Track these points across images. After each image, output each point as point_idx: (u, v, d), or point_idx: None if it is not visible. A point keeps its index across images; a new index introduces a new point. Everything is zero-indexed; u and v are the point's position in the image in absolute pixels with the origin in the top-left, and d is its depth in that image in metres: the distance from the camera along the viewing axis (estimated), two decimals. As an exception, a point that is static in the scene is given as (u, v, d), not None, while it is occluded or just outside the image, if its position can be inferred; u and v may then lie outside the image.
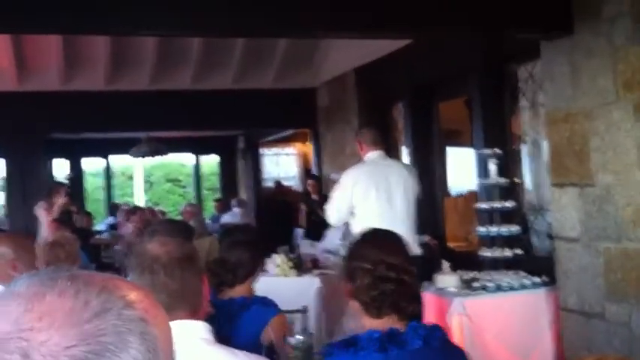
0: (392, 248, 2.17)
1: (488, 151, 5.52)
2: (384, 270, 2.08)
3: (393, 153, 7.91)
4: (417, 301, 2.17)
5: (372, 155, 5.03)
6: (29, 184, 8.84)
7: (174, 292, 1.94)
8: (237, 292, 3.13)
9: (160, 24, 4.18)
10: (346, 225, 5.75)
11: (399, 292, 2.08)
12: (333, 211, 5.05)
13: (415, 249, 4.90)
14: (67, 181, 8.32)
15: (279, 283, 5.77)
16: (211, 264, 3.22)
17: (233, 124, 11.15)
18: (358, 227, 4.94)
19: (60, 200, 7.51)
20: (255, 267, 3.24)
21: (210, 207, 16.38)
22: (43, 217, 7.43)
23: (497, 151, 5.49)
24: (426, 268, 5.15)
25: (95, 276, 0.82)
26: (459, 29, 4.75)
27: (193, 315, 1.97)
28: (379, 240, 2.26)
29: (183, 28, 4.45)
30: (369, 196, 4.85)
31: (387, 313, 2.09)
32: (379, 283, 2.07)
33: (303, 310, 4.55)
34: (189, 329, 1.93)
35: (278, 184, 14.19)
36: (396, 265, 2.09)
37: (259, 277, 3.36)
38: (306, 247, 7.01)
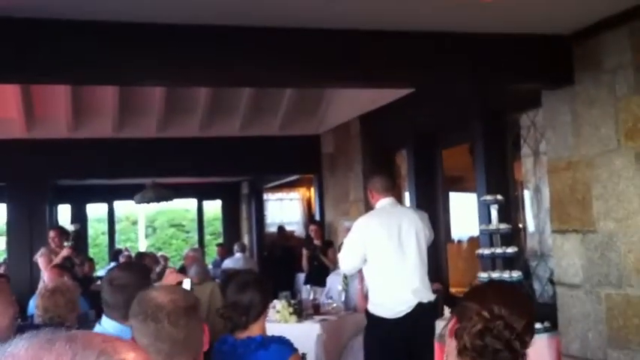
0: (518, 310, 1.93)
1: (490, 197, 5.57)
2: (500, 327, 1.88)
3: (396, 199, 7.97)
4: None
5: (383, 202, 5.04)
6: (35, 229, 8.89)
7: (178, 342, 1.94)
8: (253, 331, 3.18)
9: (167, 74, 4.28)
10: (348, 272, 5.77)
11: (502, 356, 1.89)
12: (346, 259, 5.05)
13: (429, 295, 4.92)
14: (73, 232, 8.33)
15: (278, 328, 5.73)
16: (223, 309, 3.25)
17: (239, 171, 11.24)
18: (371, 274, 4.98)
19: (64, 252, 7.55)
20: (265, 306, 3.29)
21: (212, 252, 16.38)
22: (43, 264, 7.47)
23: (499, 197, 5.54)
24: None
25: (94, 337, 0.80)
26: (463, 80, 4.85)
27: None
28: (509, 295, 2.02)
29: (191, 79, 4.56)
30: (381, 244, 4.85)
31: None
32: (488, 337, 1.88)
33: (302, 358, 4.55)
34: None
35: (281, 229, 14.22)
36: (515, 328, 1.89)
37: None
38: (307, 292, 7.00)
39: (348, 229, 5.35)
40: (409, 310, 4.80)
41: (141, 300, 2.05)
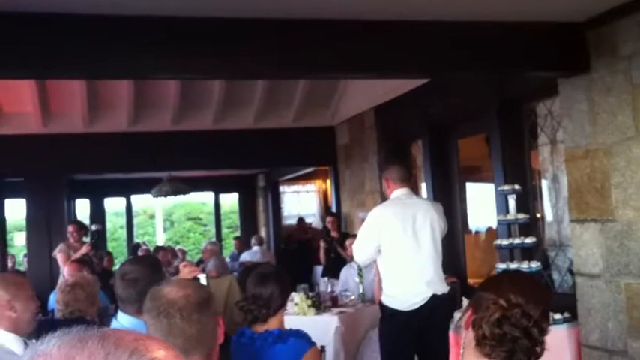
0: (535, 298, 1.96)
1: (507, 187, 5.54)
2: (518, 314, 1.91)
3: (412, 190, 7.95)
4: (536, 358, 1.99)
5: (399, 193, 5.00)
6: (53, 224, 8.96)
7: (191, 337, 1.94)
8: (271, 324, 3.19)
9: (181, 68, 4.28)
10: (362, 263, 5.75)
11: (520, 342, 1.91)
12: (360, 250, 5.01)
13: (444, 287, 4.90)
14: (93, 232, 8.38)
15: (297, 321, 5.74)
16: (243, 302, 3.26)
17: (254, 163, 11.26)
18: (385, 265, 4.96)
19: (83, 249, 7.61)
20: (285, 299, 3.30)
21: (230, 245, 16.45)
22: (62, 260, 7.54)
23: (517, 187, 5.50)
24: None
25: (126, 336, 0.81)
26: (477, 69, 4.81)
27: (208, 358, 1.97)
28: (525, 284, 2.05)
29: (205, 72, 4.55)
30: (396, 235, 4.82)
31: (499, 358, 1.92)
32: (506, 324, 1.90)
33: (321, 350, 4.55)
34: None
35: (300, 221, 14.23)
36: (532, 316, 1.91)
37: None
38: (324, 284, 7.01)
39: (363, 220, 5.33)
40: (423, 302, 4.78)
41: (153, 296, 2.05)
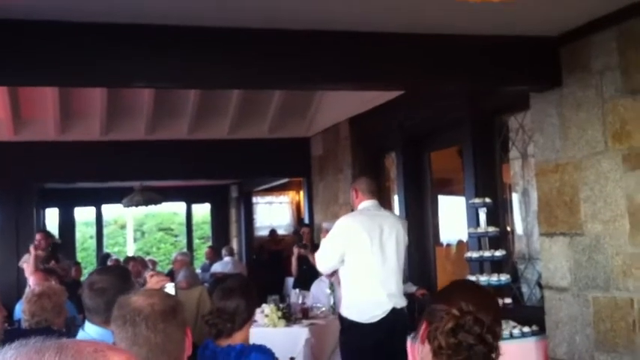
0: (485, 305, 2.01)
1: (478, 200, 5.58)
2: (470, 322, 1.94)
3: (385, 202, 7.96)
4: None
5: (366, 204, 5.00)
6: (22, 233, 8.83)
7: (156, 346, 1.92)
8: (235, 339, 3.15)
9: (155, 76, 4.26)
10: (335, 275, 5.75)
11: (476, 350, 1.94)
12: (324, 259, 4.97)
13: (403, 301, 4.89)
14: (56, 239, 8.30)
15: (267, 333, 5.71)
16: (208, 315, 3.22)
17: (228, 174, 11.21)
18: (348, 275, 4.93)
19: (38, 252, 7.50)
20: (251, 313, 3.26)
21: (201, 255, 16.34)
22: (27, 270, 7.43)
23: (488, 200, 5.55)
24: (416, 318, 5.13)
25: (85, 347, 0.78)
26: (451, 81, 4.85)
27: None
28: (474, 292, 2.10)
29: (179, 81, 4.53)
30: (362, 245, 4.80)
31: None
32: (461, 333, 1.93)
33: (291, 361, 4.54)
34: None
35: (272, 232, 14.19)
36: (484, 322, 1.95)
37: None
38: (295, 296, 6.99)
39: (327, 231, 5.31)
40: (384, 315, 4.75)
41: (120, 304, 2.03)
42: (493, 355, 1.99)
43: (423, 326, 2.02)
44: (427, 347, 1.99)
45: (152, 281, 3.33)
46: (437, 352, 1.95)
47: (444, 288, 2.19)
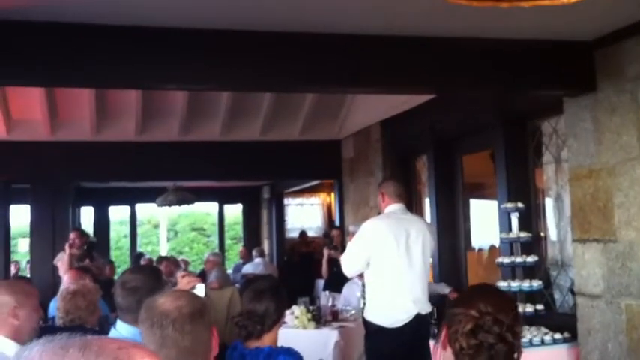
0: (503, 305, 2.05)
1: (510, 205, 5.54)
2: (489, 322, 1.98)
3: (416, 205, 7.95)
4: None
5: (393, 208, 4.99)
6: (58, 231, 8.99)
7: (184, 348, 1.94)
8: (264, 341, 3.17)
9: (189, 79, 4.31)
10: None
11: (497, 348, 1.97)
12: (350, 261, 4.95)
13: (428, 307, 4.86)
14: (88, 241, 8.43)
15: (297, 334, 5.72)
16: (238, 317, 3.25)
17: (260, 175, 11.28)
18: (373, 279, 4.92)
19: (73, 250, 7.63)
20: (280, 315, 3.28)
21: (233, 256, 16.45)
22: (61, 268, 7.56)
23: (520, 205, 5.50)
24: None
25: (109, 344, 0.80)
26: (484, 86, 4.83)
27: None
28: (491, 294, 2.14)
29: (213, 83, 4.58)
30: (388, 249, 4.78)
31: None
32: (480, 333, 1.97)
33: (319, 364, 4.55)
34: None
35: (302, 234, 14.23)
36: (503, 322, 1.98)
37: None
38: (325, 298, 6.99)
39: (354, 233, 5.29)
40: (408, 320, 4.72)
41: (148, 307, 2.05)
42: (515, 355, 2.01)
43: (444, 331, 2.06)
44: (449, 351, 2.03)
45: (183, 281, 3.37)
46: (459, 354, 1.98)
47: (462, 293, 2.23)
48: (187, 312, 1.99)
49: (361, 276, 6.19)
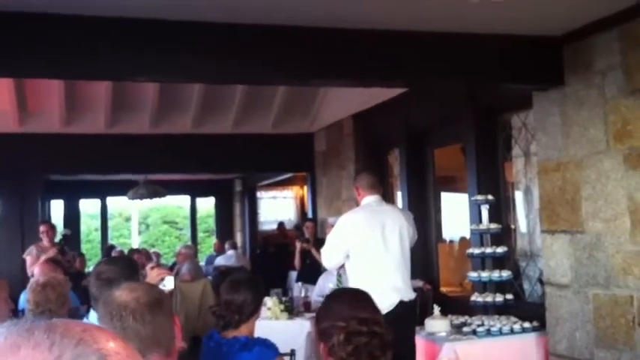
0: (360, 303, 2.25)
1: (481, 197, 5.61)
2: (356, 325, 2.15)
3: (388, 198, 7.99)
4: (390, 348, 2.23)
5: (369, 200, 5.04)
6: (26, 224, 8.89)
7: (146, 338, 1.93)
8: (242, 331, 3.19)
9: (160, 70, 4.29)
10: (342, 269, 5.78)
11: (372, 344, 2.15)
12: (329, 255, 5.02)
13: (410, 294, 4.93)
14: (62, 235, 8.36)
15: (269, 325, 5.75)
16: (216, 306, 3.26)
17: (232, 168, 11.26)
18: (353, 271, 4.97)
19: (50, 252, 7.57)
20: (258, 306, 3.30)
21: (205, 249, 16.40)
22: (30, 263, 7.51)
23: (490, 197, 5.58)
24: (420, 312, 5.18)
25: (74, 327, 0.79)
26: (455, 79, 4.87)
27: (167, 357, 1.97)
28: (347, 297, 2.35)
29: (184, 75, 4.56)
30: (365, 241, 4.84)
31: None
32: (353, 338, 2.14)
33: (291, 354, 4.58)
34: None
35: (280, 225, 14.20)
36: (367, 318, 2.17)
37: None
38: (298, 290, 7.02)
39: (333, 226, 5.34)
40: (391, 308, 4.78)
41: (105, 302, 2.05)
42: (389, 338, 2.21)
43: (321, 347, 2.22)
44: None
45: (152, 274, 3.35)
46: None
47: (320, 308, 2.42)
48: (145, 302, 1.99)
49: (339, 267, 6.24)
